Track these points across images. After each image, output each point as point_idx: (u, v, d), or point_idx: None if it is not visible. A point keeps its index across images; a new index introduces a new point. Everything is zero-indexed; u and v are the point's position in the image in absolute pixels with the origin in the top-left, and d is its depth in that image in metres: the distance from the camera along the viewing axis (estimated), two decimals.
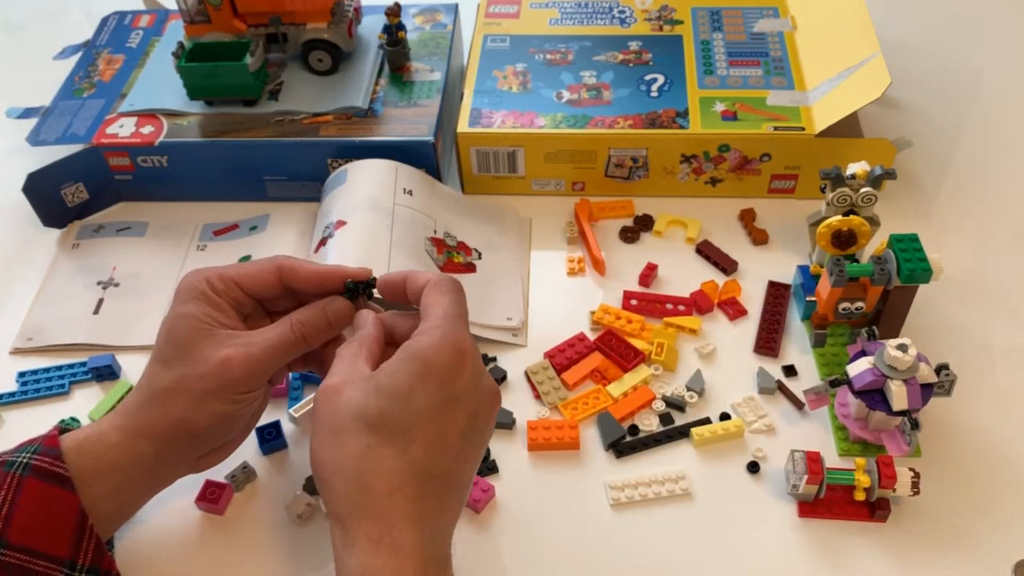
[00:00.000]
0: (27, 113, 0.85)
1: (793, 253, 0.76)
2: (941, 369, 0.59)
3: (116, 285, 0.76)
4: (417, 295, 0.52)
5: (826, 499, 0.59)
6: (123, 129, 0.80)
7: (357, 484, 0.46)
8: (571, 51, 0.86)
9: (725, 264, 0.75)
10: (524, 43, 0.87)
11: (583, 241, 0.78)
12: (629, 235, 0.78)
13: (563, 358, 0.68)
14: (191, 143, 0.79)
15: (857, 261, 0.66)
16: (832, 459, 0.62)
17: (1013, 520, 0.59)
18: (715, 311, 0.72)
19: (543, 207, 0.81)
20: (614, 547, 0.59)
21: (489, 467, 0.63)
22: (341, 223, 0.70)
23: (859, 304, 0.66)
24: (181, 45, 0.80)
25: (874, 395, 0.59)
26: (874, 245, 0.67)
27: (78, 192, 0.81)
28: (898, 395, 0.57)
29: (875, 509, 0.59)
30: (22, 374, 0.70)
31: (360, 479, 0.46)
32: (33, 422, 0.67)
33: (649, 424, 0.65)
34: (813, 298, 0.69)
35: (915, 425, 0.58)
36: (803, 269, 0.72)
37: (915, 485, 0.57)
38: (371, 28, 0.88)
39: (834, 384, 0.61)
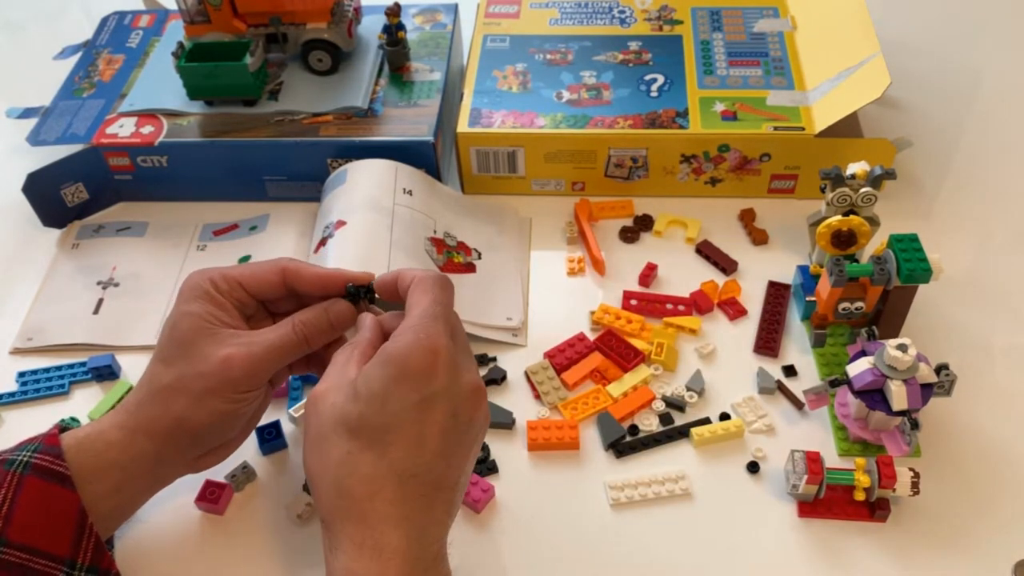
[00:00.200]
0: (27, 113, 0.85)
1: (793, 253, 0.76)
2: (941, 369, 0.59)
3: (116, 285, 0.76)
4: (406, 294, 0.53)
5: (826, 499, 0.59)
6: (123, 129, 0.80)
7: (338, 489, 0.47)
8: (571, 51, 0.86)
9: (725, 264, 0.75)
10: (524, 43, 0.87)
11: (583, 241, 0.78)
12: (629, 235, 0.78)
13: (563, 358, 0.68)
14: (191, 143, 0.79)
15: (857, 261, 0.66)
16: (832, 459, 0.62)
17: (1013, 520, 0.59)
18: (715, 311, 0.72)
19: (543, 207, 0.81)
20: (614, 547, 0.59)
21: (489, 467, 0.63)
22: (341, 223, 0.70)
23: (859, 304, 0.66)
24: (181, 45, 0.80)
25: (874, 395, 0.59)
26: (874, 245, 0.67)
27: (78, 192, 0.81)
28: (898, 395, 0.57)
29: (875, 509, 0.59)
30: (22, 374, 0.70)
31: (340, 484, 0.47)
32: (33, 422, 0.67)
33: (649, 424, 0.65)
34: (813, 298, 0.69)
35: (915, 425, 0.58)
36: (803, 269, 0.72)
37: (915, 485, 0.57)
38: (371, 28, 0.88)
39: (834, 384, 0.61)
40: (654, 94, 0.81)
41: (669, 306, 0.72)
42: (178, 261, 0.78)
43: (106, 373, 0.69)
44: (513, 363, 0.69)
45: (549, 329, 0.71)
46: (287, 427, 0.65)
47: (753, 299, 0.73)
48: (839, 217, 0.66)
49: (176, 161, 0.80)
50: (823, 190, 0.68)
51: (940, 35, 0.99)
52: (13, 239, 0.81)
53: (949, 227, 0.78)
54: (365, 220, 0.70)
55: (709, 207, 0.80)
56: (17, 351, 0.72)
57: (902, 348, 0.57)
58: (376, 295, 0.56)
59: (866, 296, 0.65)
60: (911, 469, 0.58)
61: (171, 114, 0.81)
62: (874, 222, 0.68)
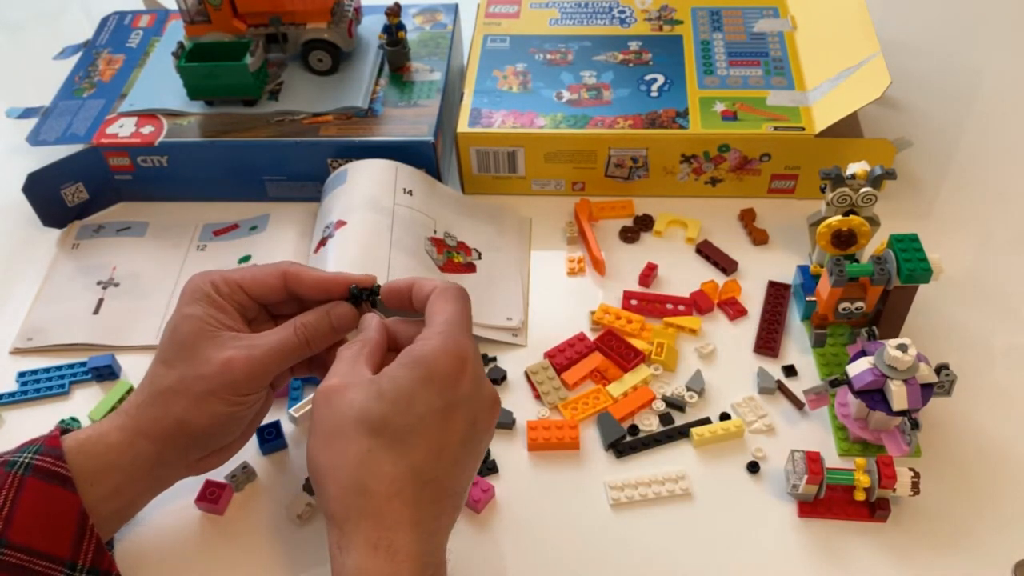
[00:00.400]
0: (27, 113, 0.85)
1: (793, 253, 0.76)
2: (941, 369, 0.59)
3: (116, 285, 0.76)
4: (422, 302, 0.53)
5: (826, 499, 0.59)
6: (123, 129, 0.80)
7: (356, 487, 0.46)
8: (571, 51, 0.86)
9: (725, 264, 0.75)
10: (524, 43, 0.87)
11: (583, 241, 0.78)
12: (629, 235, 0.78)
13: (563, 358, 0.68)
14: (191, 143, 0.79)
15: (857, 261, 0.66)
16: (832, 459, 0.62)
17: (1013, 520, 0.59)
18: (715, 311, 0.72)
19: (543, 207, 0.81)
20: (614, 547, 0.59)
21: (489, 467, 0.63)
22: (341, 223, 0.70)
23: (859, 304, 0.66)
24: (181, 45, 0.80)
25: (874, 395, 0.59)
26: (874, 245, 0.67)
27: (78, 192, 0.81)
28: (898, 395, 0.57)
29: (875, 509, 0.59)
30: (22, 374, 0.70)
31: (359, 482, 0.46)
32: (33, 422, 0.67)
33: (649, 424, 0.65)
34: (813, 298, 0.69)
35: (915, 425, 0.58)
36: (803, 269, 0.72)
37: (915, 485, 0.57)
38: (371, 28, 0.88)
39: (834, 384, 0.61)
40: (654, 94, 0.81)
41: (669, 306, 0.72)
42: (178, 261, 0.78)
43: (106, 373, 0.69)
44: (513, 363, 0.69)
45: (549, 329, 0.71)
46: (287, 427, 0.65)
47: (753, 299, 0.73)
48: (839, 217, 0.66)
49: (176, 161, 0.80)
50: (823, 190, 0.68)
51: (940, 35, 0.99)
52: (13, 239, 0.81)
53: (949, 227, 0.78)
54: (365, 220, 0.70)
55: (709, 207, 0.80)
56: (17, 351, 0.72)
57: (902, 348, 0.57)
58: (378, 298, 0.56)
59: (866, 296, 0.65)
60: (911, 469, 0.58)
61: (171, 114, 0.81)
62: (874, 222, 0.68)
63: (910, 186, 0.82)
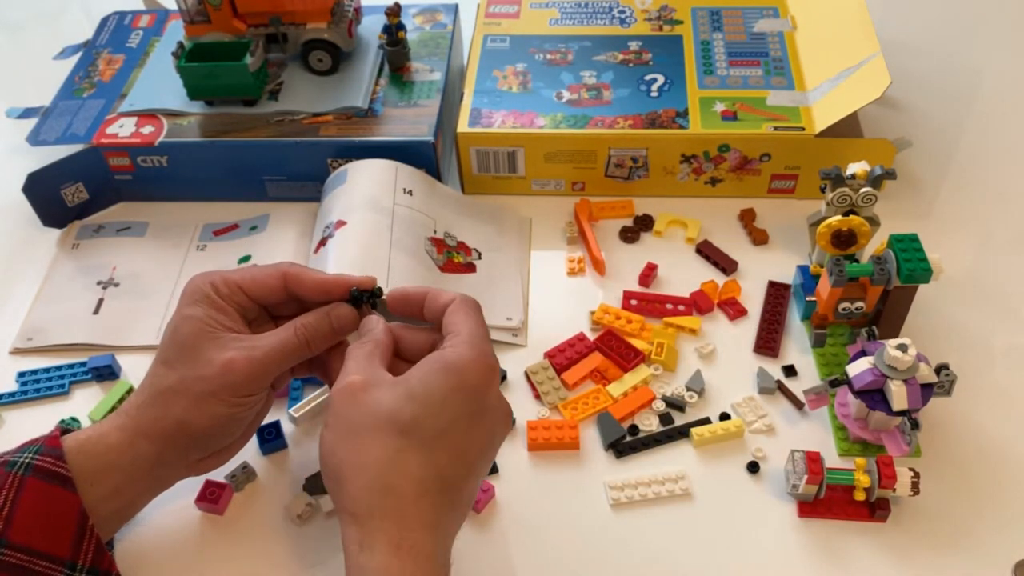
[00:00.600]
0: (27, 113, 0.85)
1: (793, 253, 0.76)
2: (941, 369, 0.59)
3: (116, 285, 0.76)
4: (436, 313, 0.53)
5: (826, 499, 0.59)
6: (123, 129, 0.80)
7: (382, 486, 0.46)
8: (571, 51, 0.86)
9: (725, 264, 0.75)
10: (524, 43, 0.87)
11: (583, 241, 0.78)
12: (629, 235, 0.78)
13: (563, 358, 0.68)
14: (191, 143, 0.79)
15: (857, 261, 0.66)
16: (832, 459, 0.62)
17: (1013, 520, 0.59)
18: (715, 311, 0.72)
19: (543, 207, 0.81)
20: (614, 547, 0.59)
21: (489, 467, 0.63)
22: (341, 223, 0.70)
23: (859, 304, 0.66)
24: (181, 45, 0.80)
25: (874, 395, 0.59)
26: (874, 245, 0.67)
27: (78, 192, 0.81)
28: (898, 395, 0.57)
29: (875, 509, 0.59)
30: (22, 374, 0.70)
31: (386, 481, 0.46)
32: (33, 422, 0.67)
33: (649, 424, 0.65)
34: (813, 298, 0.69)
35: (915, 425, 0.58)
36: (803, 269, 0.72)
37: (915, 485, 0.57)
38: (371, 28, 0.88)
39: (834, 384, 0.61)
40: (654, 94, 0.81)
41: (669, 306, 0.72)
42: (178, 261, 0.78)
43: (106, 373, 0.69)
44: (513, 363, 0.69)
45: (549, 329, 0.71)
46: (287, 427, 0.65)
47: (753, 299, 0.73)
48: (839, 217, 0.66)
49: (176, 161, 0.80)
50: (823, 190, 0.68)
51: (940, 35, 0.99)
52: (13, 239, 0.81)
53: (949, 227, 0.78)
54: (365, 220, 0.70)
55: (709, 207, 0.80)
56: (17, 351, 0.72)
57: (902, 348, 0.57)
58: (379, 300, 0.56)
59: (866, 296, 0.65)
60: (911, 469, 0.58)
61: (171, 114, 0.81)
62: (874, 222, 0.68)
63: (910, 186, 0.82)
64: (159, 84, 0.84)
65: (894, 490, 0.57)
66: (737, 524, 0.59)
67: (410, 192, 0.74)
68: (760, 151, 0.77)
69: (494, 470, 0.63)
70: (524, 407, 0.66)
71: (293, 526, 0.60)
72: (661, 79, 0.82)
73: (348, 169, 0.75)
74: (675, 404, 0.66)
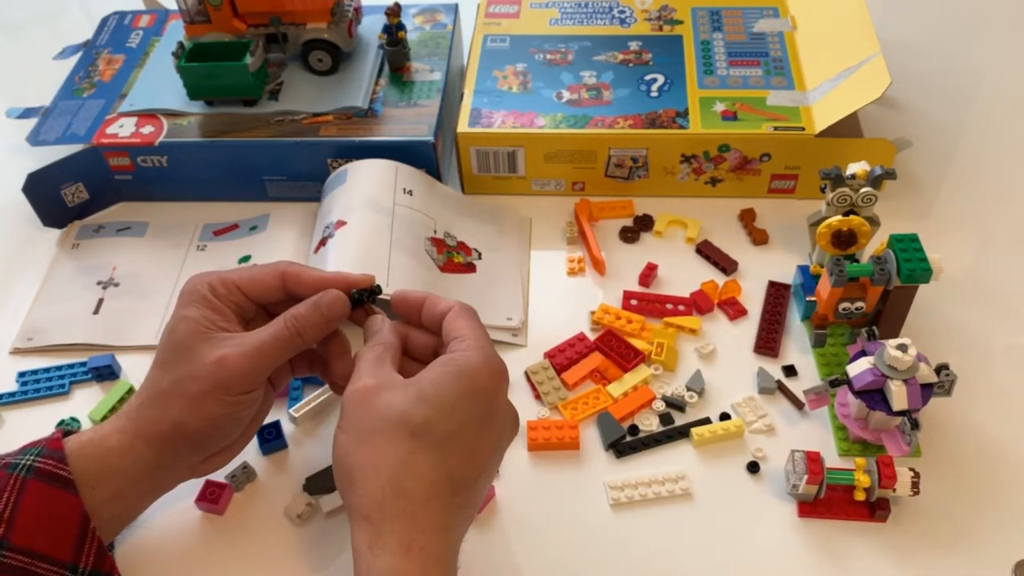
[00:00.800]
0: (27, 113, 0.85)
1: (793, 253, 0.76)
2: (941, 369, 0.59)
3: (116, 285, 0.76)
4: (434, 318, 0.54)
5: (826, 499, 0.59)
6: (123, 129, 0.80)
7: (394, 487, 0.47)
8: (571, 51, 0.86)
9: (725, 264, 0.75)
10: (524, 43, 0.87)
11: (583, 241, 0.78)
12: (629, 235, 0.78)
13: (563, 358, 0.68)
14: (191, 143, 0.79)
15: (857, 261, 0.66)
16: (832, 459, 0.63)
17: (1013, 520, 0.59)
18: (715, 311, 0.72)
19: (543, 207, 0.81)
20: (614, 547, 0.59)
21: None
22: (341, 223, 0.70)
23: (859, 304, 0.66)
24: (181, 45, 0.80)
25: (874, 395, 0.59)
26: (874, 245, 0.67)
27: (78, 192, 0.81)
28: (898, 395, 0.57)
29: (875, 509, 0.59)
30: (22, 374, 0.70)
31: (398, 483, 0.47)
32: (33, 422, 0.67)
33: (649, 424, 0.65)
34: (813, 298, 0.69)
35: (915, 425, 0.58)
36: (803, 269, 0.72)
37: (915, 485, 0.57)
38: (371, 28, 0.88)
39: (834, 384, 0.61)
40: (654, 94, 0.81)
41: (669, 306, 0.72)
42: (178, 261, 0.78)
43: (106, 373, 0.69)
44: (513, 363, 0.68)
45: (549, 329, 0.71)
46: (287, 427, 0.66)
47: (753, 299, 0.73)
48: (839, 217, 0.66)
49: (176, 161, 0.80)
50: (823, 190, 0.68)
51: (940, 35, 0.99)
52: (13, 239, 0.81)
53: (949, 227, 0.78)
54: (365, 220, 0.70)
55: (709, 207, 0.80)
56: (17, 351, 0.72)
57: (902, 348, 0.57)
58: (378, 297, 0.56)
59: (866, 296, 0.65)
60: (911, 469, 0.58)
61: (171, 114, 0.81)
62: (874, 222, 0.68)
63: (910, 186, 0.82)
64: (159, 84, 0.84)
65: (894, 490, 0.57)
66: (737, 524, 0.59)
67: (410, 192, 0.74)
68: (760, 151, 0.77)
69: None
70: (524, 407, 0.66)
71: (293, 526, 0.60)
72: (661, 79, 0.82)
73: (348, 169, 0.75)
74: (675, 404, 0.66)
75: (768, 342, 0.69)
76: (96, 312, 0.74)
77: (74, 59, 0.90)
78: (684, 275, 0.75)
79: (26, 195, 0.78)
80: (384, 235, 0.69)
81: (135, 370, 0.70)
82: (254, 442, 0.64)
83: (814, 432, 0.64)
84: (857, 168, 0.67)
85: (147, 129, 0.80)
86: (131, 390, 0.68)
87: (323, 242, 0.70)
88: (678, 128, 0.77)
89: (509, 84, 0.83)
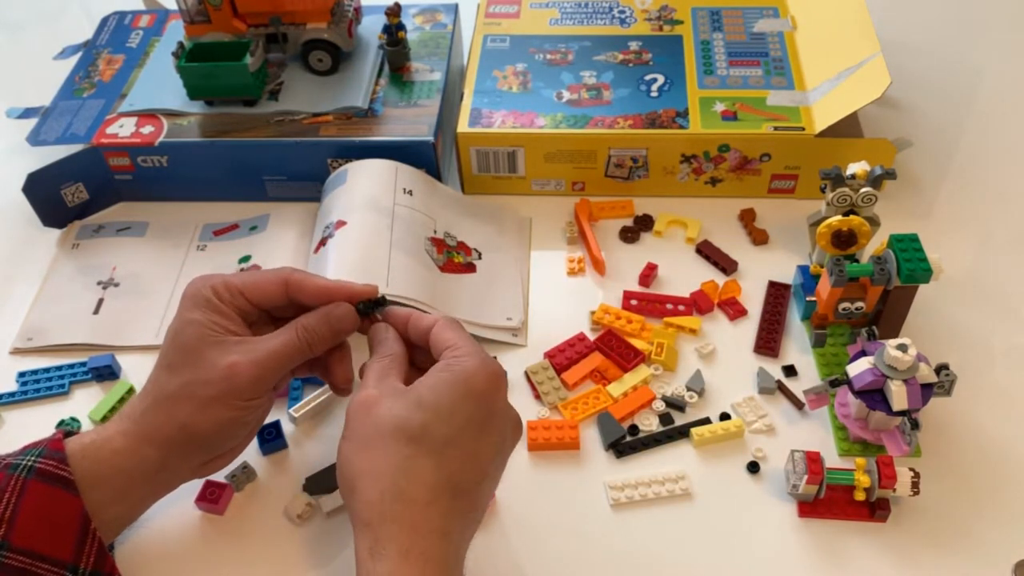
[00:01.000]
0: (27, 113, 0.85)
1: (793, 253, 0.76)
2: (941, 369, 0.59)
3: (116, 285, 0.76)
4: (420, 333, 0.55)
5: (826, 499, 0.59)
6: (123, 129, 0.80)
7: (394, 493, 0.47)
8: (571, 51, 0.86)
9: (725, 264, 0.75)
10: (524, 43, 0.87)
11: (583, 241, 0.78)
12: (629, 235, 0.78)
13: (563, 358, 0.68)
14: (191, 143, 0.79)
15: (857, 261, 0.66)
16: (832, 459, 0.62)
17: (1013, 520, 0.59)
18: (715, 311, 0.72)
19: (543, 207, 0.81)
20: (614, 547, 0.59)
21: None
22: (341, 223, 0.70)
23: (859, 304, 0.66)
24: (181, 45, 0.80)
25: (874, 395, 0.59)
26: (874, 245, 0.67)
27: (78, 192, 0.81)
28: (898, 395, 0.57)
29: (875, 509, 0.59)
30: (22, 374, 0.70)
31: (398, 489, 0.47)
32: (33, 422, 0.67)
33: (649, 424, 0.65)
34: (813, 298, 0.69)
35: (915, 425, 0.58)
36: (803, 269, 0.72)
37: (915, 485, 0.57)
38: (371, 28, 0.88)
39: (834, 384, 0.61)
40: (654, 94, 0.81)
41: (669, 306, 0.72)
42: (178, 261, 0.78)
43: (106, 373, 0.69)
44: (513, 363, 0.69)
45: (549, 329, 0.71)
46: (287, 427, 0.66)
47: (753, 299, 0.73)
48: (839, 217, 0.66)
49: (176, 161, 0.80)
50: (823, 190, 0.68)
51: (940, 35, 0.99)
52: (13, 239, 0.81)
53: (949, 227, 0.78)
54: (365, 220, 0.70)
55: (709, 207, 0.80)
56: (17, 351, 0.72)
57: (902, 348, 0.57)
58: (384, 307, 0.57)
59: (866, 296, 0.65)
60: (911, 469, 0.58)
61: (171, 114, 0.81)
62: (874, 222, 0.68)
63: (910, 186, 0.82)
64: (159, 84, 0.84)
65: (894, 490, 0.57)
66: (737, 524, 0.59)
67: (410, 192, 0.74)
68: (760, 151, 0.77)
69: None
70: (524, 407, 0.66)
71: (293, 526, 0.60)
72: (661, 79, 0.82)
73: (348, 169, 0.75)
74: (675, 404, 0.66)
75: (768, 342, 0.69)
76: (96, 312, 0.74)
77: (74, 59, 0.90)
78: (684, 275, 0.75)
79: (26, 195, 0.78)
80: (384, 235, 0.69)
81: (135, 370, 0.70)
82: (254, 442, 0.64)
83: (814, 432, 0.64)
84: (857, 168, 0.67)
85: (147, 129, 0.80)
86: (131, 390, 0.68)
87: (323, 242, 0.70)
88: (678, 128, 0.77)
89: (509, 84, 0.83)
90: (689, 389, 0.66)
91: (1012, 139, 0.86)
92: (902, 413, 0.58)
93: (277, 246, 0.77)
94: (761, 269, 0.75)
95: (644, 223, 0.79)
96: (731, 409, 0.66)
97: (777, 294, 0.73)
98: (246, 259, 0.77)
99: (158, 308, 0.74)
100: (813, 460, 0.58)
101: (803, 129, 0.76)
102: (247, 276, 0.56)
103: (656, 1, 0.92)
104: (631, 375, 0.67)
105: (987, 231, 0.78)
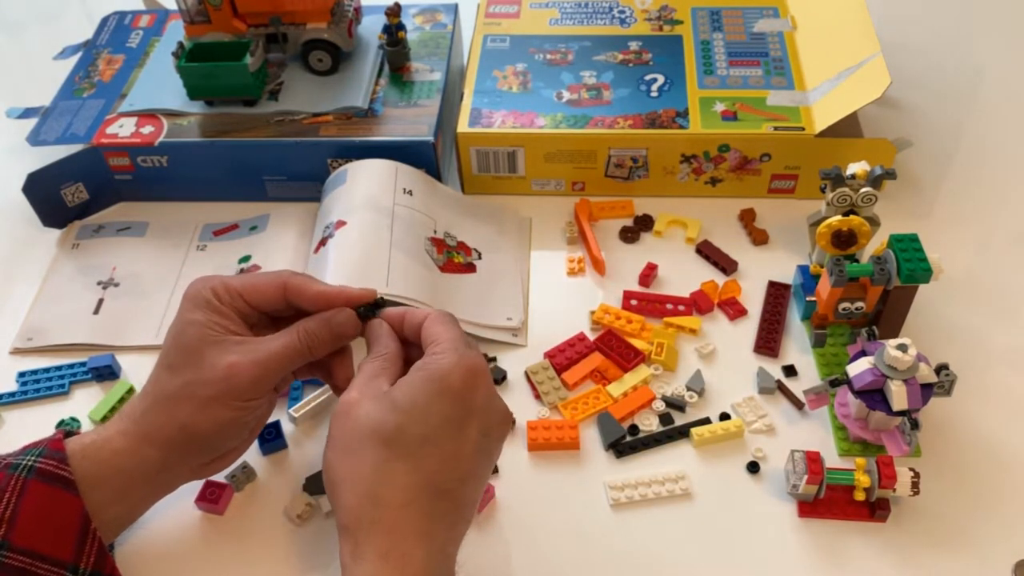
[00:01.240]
0: (27, 113, 0.85)
1: (793, 253, 0.76)
2: (941, 369, 0.59)
3: (116, 285, 0.76)
4: (415, 329, 0.54)
5: (826, 499, 0.59)
6: (123, 129, 0.80)
7: (369, 497, 0.47)
8: (571, 51, 0.86)
9: (725, 264, 0.75)
10: (524, 43, 0.87)
11: (583, 241, 0.78)
12: (629, 235, 0.78)
13: (563, 358, 0.68)
14: (191, 143, 0.79)
15: (857, 261, 0.66)
16: (832, 459, 0.62)
17: (1013, 520, 0.59)
18: (715, 311, 0.72)
19: (543, 207, 0.81)
20: (614, 547, 0.59)
21: None
22: (341, 223, 0.70)
23: (859, 304, 0.66)
24: (181, 45, 0.80)
25: (874, 395, 0.59)
26: (874, 245, 0.67)
27: (78, 192, 0.81)
28: (898, 395, 0.57)
29: (875, 509, 0.59)
30: (22, 374, 0.70)
31: (373, 492, 0.47)
32: (33, 422, 0.67)
33: (649, 424, 0.65)
34: (813, 298, 0.69)
35: (915, 425, 0.58)
36: (803, 269, 0.72)
37: (915, 485, 0.57)
38: (371, 28, 0.88)
39: (834, 384, 0.61)
40: (654, 94, 0.81)
41: (669, 306, 0.72)
42: (178, 261, 0.78)
43: (106, 373, 0.69)
44: (513, 363, 0.69)
45: (549, 329, 0.71)
46: (287, 427, 0.66)
47: (753, 299, 0.73)
48: (839, 217, 0.66)
49: (176, 161, 0.80)
50: (823, 190, 0.68)
51: (940, 35, 0.99)
52: (13, 239, 0.81)
53: (949, 227, 0.78)
54: (365, 220, 0.70)
55: (709, 207, 0.80)
56: (17, 351, 0.72)
57: (902, 348, 0.57)
58: (382, 308, 0.57)
59: (866, 296, 0.65)
60: (911, 469, 0.58)
61: (171, 114, 0.81)
62: (874, 222, 0.68)
63: (910, 186, 0.82)
64: (159, 84, 0.84)
65: (894, 490, 0.57)
66: (737, 524, 0.59)
67: (410, 192, 0.74)
68: (760, 151, 0.77)
69: (494, 470, 0.63)
70: (524, 407, 0.66)
71: (293, 526, 0.60)
72: (661, 79, 0.82)
73: (348, 169, 0.75)
74: (675, 404, 0.66)
75: (768, 342, 0.69)
76: (96, 312, 0.74)
77: (74, 59, 0.90)
78: (684, 275, 0.75)
79: (26, 195, 0.78)
80: (384, 235, 0.69)
81: (135, 370, 0.70)
82: (254, 442, 0.64)
83: (814, 432, 0.64)
84: (857, 168, 0.67)
85: (147, 129, 0.80)
86: (131, 390, 0.68)
87: (323, 242, 0.70)
88: (678, 128, 0.77)
89: (509, 84, 0.83)
90: (689, 389, 0.66)
91: (1012, 139, 0.86)
92: (902, 413, 0.58)
93: (277, 246, 0.77)
94: (761, 269, 0.75)
95: (644, 223, 0.79)
96: (731, 409, 0.66)
97: (777, 294, 0.73)
98: (246, 259, 0.77)
99: (158, 308, 0.74)
100: (813, 460, 0.58)
101: (803, 129, 0.76)
102: (246, 279, 0.56)
103: (656, 1, 0.92)
104: (631, 375, 0.67)
105: (987, 231, 0.78)
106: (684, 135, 0.77)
